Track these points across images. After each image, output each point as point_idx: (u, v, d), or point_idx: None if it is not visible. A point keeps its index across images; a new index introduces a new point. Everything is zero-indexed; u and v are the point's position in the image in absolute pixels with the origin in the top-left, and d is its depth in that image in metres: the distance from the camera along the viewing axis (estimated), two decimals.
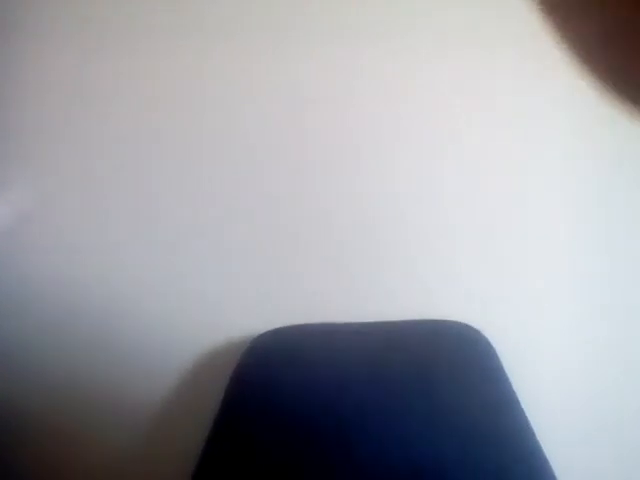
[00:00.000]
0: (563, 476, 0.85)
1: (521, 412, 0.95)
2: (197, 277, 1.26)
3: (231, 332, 1.26)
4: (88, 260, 1.27)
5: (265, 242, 1.24)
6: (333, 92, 1.19)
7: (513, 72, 1.17)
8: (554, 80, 1.16)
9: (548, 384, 1.22)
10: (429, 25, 1.16)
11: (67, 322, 1.29)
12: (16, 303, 1.29)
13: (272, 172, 1.22)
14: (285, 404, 0.96)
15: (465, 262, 1.22)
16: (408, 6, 1.16)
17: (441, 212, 1.21)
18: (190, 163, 1.23)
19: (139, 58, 1.20)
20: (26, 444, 1.34)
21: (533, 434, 0.91)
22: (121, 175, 1.25)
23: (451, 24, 1.16)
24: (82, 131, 1.24)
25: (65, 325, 1.29)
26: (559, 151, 1.19)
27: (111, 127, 1.23)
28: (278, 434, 0.90)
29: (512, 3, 1.14)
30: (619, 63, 1.13)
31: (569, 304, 1.22)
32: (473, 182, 1.20)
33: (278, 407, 0.95)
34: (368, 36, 1.17)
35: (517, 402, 0.97)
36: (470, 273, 1.22)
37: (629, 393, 1.23)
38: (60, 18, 1.21)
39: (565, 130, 1.18)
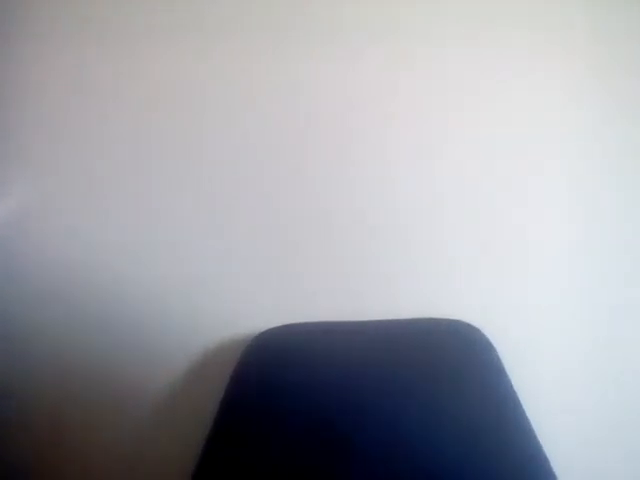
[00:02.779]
0: (563, 476, 0.85)
1: (521, 411, 0.95)
2: (197, 276, 1.26)
3: (232, 330, 1.26)
4: (88, 261, 1.27)
5: (265, 241, 1.24)
6: (333, 92, 1.19)
7: (513, 72, 1.17)
8: (554, 80, 1.16)
9: (548, 383, 1.22)
10: (429, 25, 1.16)
11: (67, 322, 1.29)
12: (14, 303, 1.30)
13: (272, 172, 1.22)
14: (285, 403, 0.96)
15: (466, 262, 1.22)
16: (408, 7, 1.16)
17: (441, 212, 1.21)
18: (190, 163, 1.23)
19: (139, 58, 1.21)
20: (26, 445, 1.34)
21: (533, 433, 0.91)
22: (121, 175, 1.25)
23: (451, 24, 1.16)
24: (82, 131, 1.24)
25: (65, 325, 1.29)
26: (559, 151, 1.19)
27: (111, 127, 1.23)
28: (278, 433, 0.90)
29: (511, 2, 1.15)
30: None
31: (569, 304, 1.22)
32: (473, 182, 1.20)
33: (278, 406, 0.95)
34: (368, 36, 1.17)
35: (517, 401, 0.97)
36: (470, 272, 1.22)
37: (629, 393, 1.23)
38: (60, 18, 1.21)
39: (565, 130, 1.18)
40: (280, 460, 0.86)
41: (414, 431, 0.88)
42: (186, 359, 1.29)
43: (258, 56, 1.19)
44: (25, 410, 1.33)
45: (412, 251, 1.23)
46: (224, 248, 1.25)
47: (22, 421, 1.33)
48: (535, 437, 0.90)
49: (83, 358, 1.30)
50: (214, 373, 1.18)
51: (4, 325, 1.30)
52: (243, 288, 1.26)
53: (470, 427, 0.88)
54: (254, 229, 1.24)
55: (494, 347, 1.13)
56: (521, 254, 1.22)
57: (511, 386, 1.02)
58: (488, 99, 1.18)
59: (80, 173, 1.25)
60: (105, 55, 1.21)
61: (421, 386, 0.98)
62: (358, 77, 1.18)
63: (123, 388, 1.30)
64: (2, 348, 1.30)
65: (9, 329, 1.30)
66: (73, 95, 1.23)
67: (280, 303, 1.25)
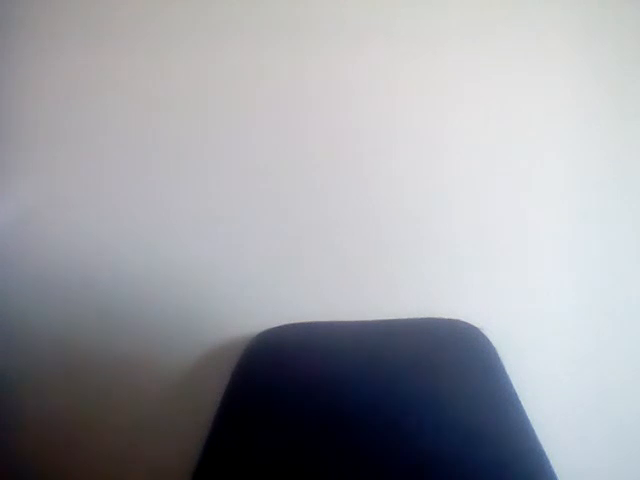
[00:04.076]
0: (563, 476, 0.85)
1: (521, 410, 0.95)
2: (197, 276, 1.26)
3: (232, 330, 1.26)
4: (88, 261, 1.27)
5: (265, 241, 1.24)
6: (337, 92, 1.19)
7: (513, 73, 1.17)
8: (555, 81, 1.17)
9: (548, 383, 1.22)
10: (431, 26, 1.16)
11: (66, 322, 1.29)
12: (13, 303, 1.30)
13: (273, 171, 1.22)
14: (285, 402, 0.96)
15: (465, 261, 1.22)
16: (410, 7, 1.16)
17: (442, 212, 1.21)
18: (192, 163, 1.23)
19: (139, 57, 1.20)
20: (25, 445, 1.34)
21: (533, 432, 0.91)
22: (122, 176, 1.25)
23: (453, 26, 1.16)
24: (82, 131, 1.24)
25: (65, 325, 1.29)
26: (558, 151, 1.19)
27: (112, 126, 1.23)
28: (278, 433, 0.90)
29: (513, 3, 1.15)
30: None
31: (569, 303, 1.22)
32: (473, 181, 1.20)
33: (278, 406, 0.95)
34: (372, 37, 1.17)
35: (517, 400, 0.98)
36: (470, 272, 1.22)
37: (630, 392, 1.23)
38: (60, 18, 1.21)
39: (564, 129, 1.18)
40: (280, 460, 0.85)
41: (414, 431, 0.88)
42: (186, 359, 1.29)
43: (260, 55, 1.18)
44: (24, 410, 1.33)
45: (412, 251, 1.23)
46: (224, 248, 1.25)
47: (21, 421, 1.33)
48: (535, 437, 0.90)
49: (82, 358, 1.30)
50: (214, 373, 1.18)
51: (3, 325, 1.30)
52: (243, 288, 1.26)
53: (470, 427, 0.88)
54: (254, 229, 1.24)
55: (494, 347, 1.13)
56: (522, 254, 1.22)
57: (511, 386, 1.02)
58: (489, 100, 1.18)
59: (80, 173, 1.25)
60: (106, 54, 1.21)
61: (421, 386, 0.98)
62: (360, 76, 1.18)
63: (123, 388, 1.30)
64: (2, 348, 1.30)
65: (8, 329, 1.30)
66: (73, 95, 1.23)
67: (280, 303, 1.25)
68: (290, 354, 1.10)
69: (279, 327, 1.21)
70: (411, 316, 1.20)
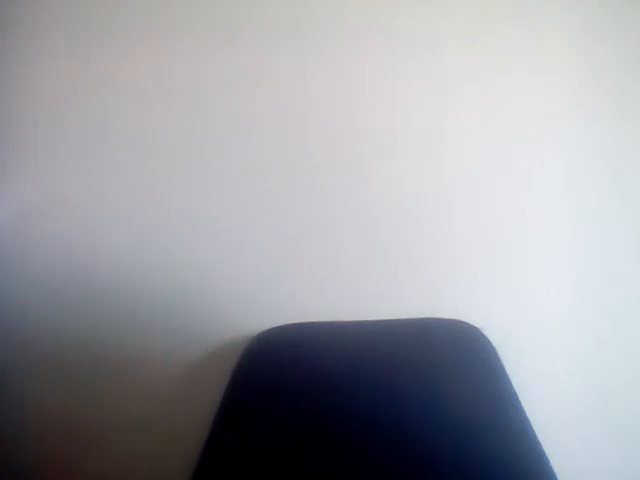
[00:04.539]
0: (563, 475, 0.85)
1: (521, 410, 0.95)
2: (197, 276, 1.26)
3: (232, 330, 1.26)
4: (88, 261, 1.27)
5: (265, 241, 1.24)
6: (337, 92, 1.19)
7: (513, 73, 1.17)
8: (555, 81, 1.17)
9: (548, 383, 1.22)
10: (431, 26, 1.16)
11: (66, 322, 1.29)
12: (12, 303, 1.30)
13: (273, 171, 1.22)
14: (285, 402, 0.96)
15: (465, 261, 1.22)
16: (410, 7, 1.16)
17: (442, 212, 1.21)
18: (192, 163, 1.23)
19: (139, 56, 1.20)
20: (25, 445, 1.34)
21: (533, 432, 0.91)
22: (122, 176, 1.25)
23: (453, 26, 1.16)
24: (82, 130, 1.24)
25: (64, 325, 1.29)
26: (558, 151, 1.19)
27: (112, 126, 1.23)
28: (278, 432, 0.90)
29: (513, 3, 1.15)
30: None
31: (569, 302, 1.22)
32: (473, 181, 1.20)
33: (278, 405, 0.95)
34: (372, 37, 1.17)
35: (517, 400, 0.98)
36: (470, 272, 1.22)
37: (630, 391, 1.23)
38: (60, 18, 1.21)
39: (564, 129, 1.18)
40: (280, 459, 0.85)
41: (414, 431, 0.88)
42: (186, 359, 1.29)
43: (260, 55, 1.18)
44: (24, 410, 1.33)
45: (412, 251, 1.23)
46: (224, 248, 1.25)
47: (21, 421, 1.33)
48: (535, 437, 0.90)
49: (82, 357, 1.30)
50: (214, 373, 1.18)
51: (3, 324, 1.30)
52: (243, 288, 1.26)
53: (470, 427, 0.88)
54: (254, 229, 1.24)
55: (494, 347, 1.13)
56: (522, 254, 1.22)
57: (511, 386, 1.02)
58: (490, 100, 1.18)
59: (80, 173, 1.25)
60: (105, 54, 1.21)
61: (421, 386, 0.98)
62: (360, 76, 1.18)
63: (123, 388, 1.30)
64: (2, 346, 1.30)
65: (8, 328, 1.30)
66: (73, 95, 1.23)
67: (280, 303, 1.25)
68: (290, 354, 1.10)
69: (279, 327, 1.21)
70: (411, 316, 1.20)
